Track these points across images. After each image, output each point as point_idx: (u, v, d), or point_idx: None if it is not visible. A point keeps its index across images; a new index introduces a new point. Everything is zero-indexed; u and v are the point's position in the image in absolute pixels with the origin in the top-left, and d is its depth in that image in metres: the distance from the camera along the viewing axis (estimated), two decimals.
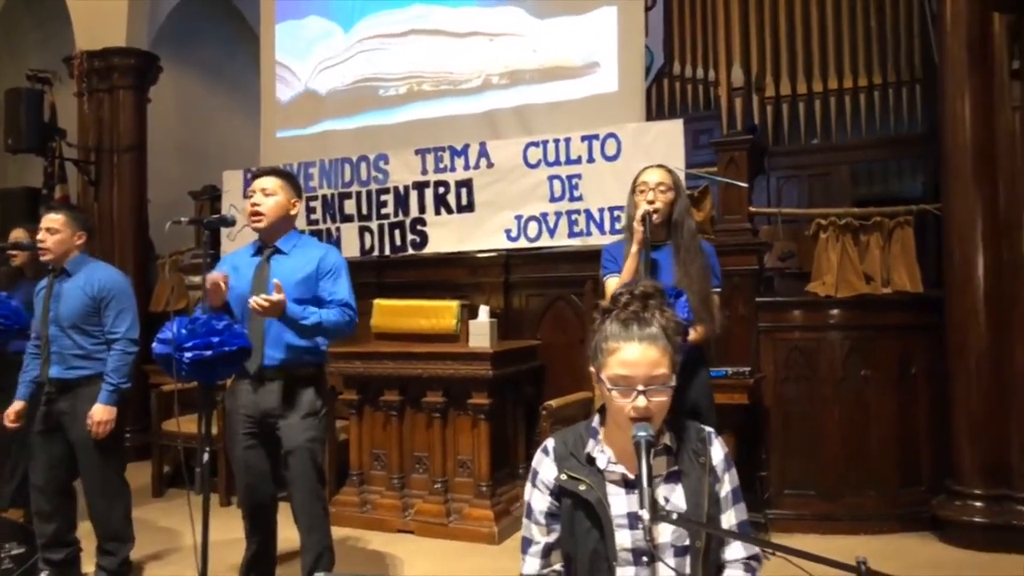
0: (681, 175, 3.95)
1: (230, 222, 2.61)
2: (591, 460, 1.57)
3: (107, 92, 5.89)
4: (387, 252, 4.63)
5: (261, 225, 2.65)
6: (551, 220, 4.20)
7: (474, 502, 3.75)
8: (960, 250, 3.48)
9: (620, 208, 4.02)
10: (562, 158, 4.17)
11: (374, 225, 4.67)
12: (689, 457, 1.57)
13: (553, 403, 3.65)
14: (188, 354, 2.28)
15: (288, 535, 2.85)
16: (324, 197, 4.81)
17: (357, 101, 5.03)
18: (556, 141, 4.17)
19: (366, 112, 5.00)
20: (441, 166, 4.47)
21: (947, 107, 3.55)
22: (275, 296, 2.41)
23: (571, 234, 4.16)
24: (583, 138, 4.11)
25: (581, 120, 4.28)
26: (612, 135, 4.05)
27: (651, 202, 2.63)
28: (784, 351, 3.78)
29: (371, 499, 3.95)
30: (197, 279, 5.40)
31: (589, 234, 4.12)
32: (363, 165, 4.69)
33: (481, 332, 3.83)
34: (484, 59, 4.66)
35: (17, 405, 3.06)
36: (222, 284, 2.44)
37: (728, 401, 3.38)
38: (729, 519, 1.57)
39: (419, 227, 4.55)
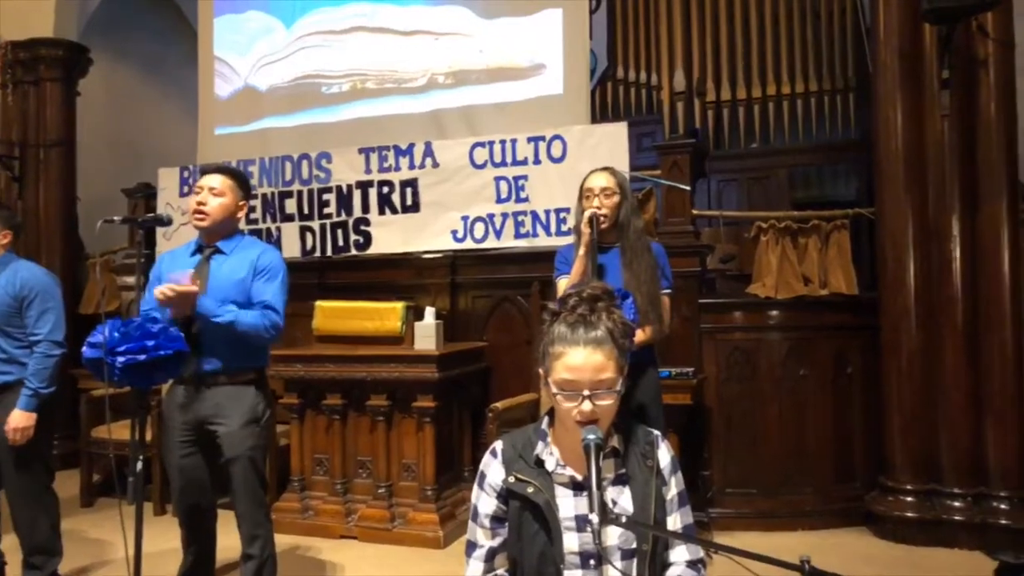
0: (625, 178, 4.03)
1: (166, 221, 2.51)
2: (540, 462, 1.56)
3: (33, 84, 5.63)
4: (329, 252, 4.55)
5: (204, 224, 2.56)
6: (497, 221, 4.19)
7: (419, 506, 3.70)
8: (892, 253, 3.59)
9: (566, 210, 4.05)
10: (508, 159, 4.15)
11: (316, 225, 4.58)
12: (637, 460, 1.58)
13: (499, 405, 3.63)
14: (121, 358, 2.18)
15: (227, 543, 2.77)
16: (264, 196, 4.69)
17: (299, 98, 4.93)
18: (503, 142, 4.16)
19: (308, 110, 4.90)
20: (385, 165, 4.41)
21: (880, 115, 3.66)
22: (184, 286, 2.33)
23: (517, 235, 4.15)
24: (529, 139, 4.10)
25: (527, 121, 4.28)
26: (558, 137, 4.06)
27: (598, 207, 2.64)
28: (725, 352, 3.84)
29: (313, 505, 3.86)
30: (130, 279, 5.22)
31: (535, 235, 4.11)
32: (304, 163, 4.59)
33: (427, 334, 3.79)
34: (429, 58, 4.62)
35: None
36: (194, 289, 2.35)
37: (672, 401, 3.42)
38: (675, 522, 1.58)
39: (363, 227, 4.47)
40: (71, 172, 5.75)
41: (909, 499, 3.52)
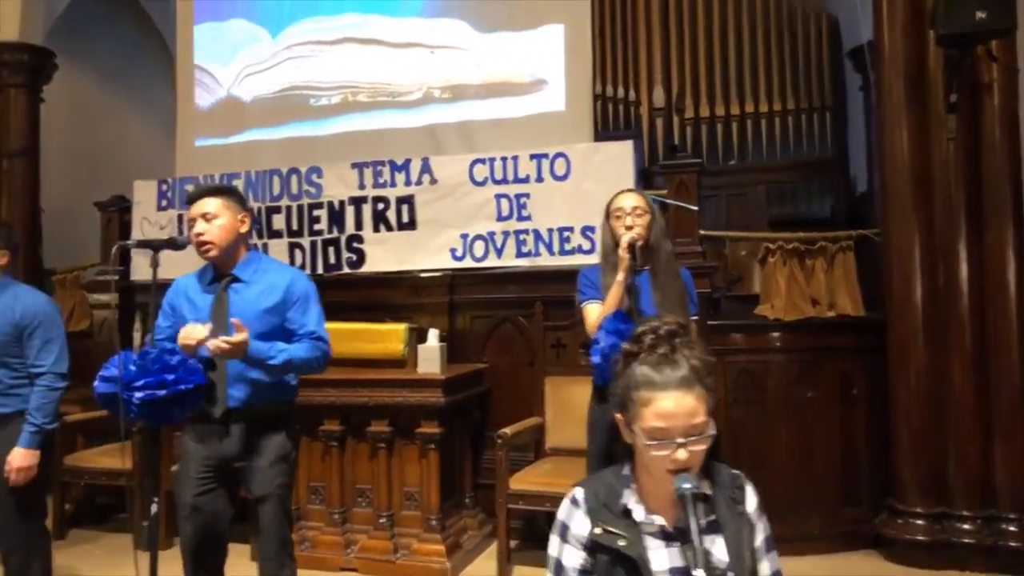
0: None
1: (181, 244, 2.35)
2: (627, 512, 1.47)
3: None
4: (320, 271, 4.37)
5: (213, 254, 2.40)
6: (498, 239, 4.08)
7: (423, 536, 3.56)
8: (899, 274, 3.60)
9: (569, 229, 3.98)
10: (510, 176, 4.06)
11: (306, 242, 4.41)
12: (726, 505, 1.50)
13: (508, 431, 3.52)
14: (138, 394, 2.02)
15: None
16: (249, 211, 4.48)
17: (285, 110, 4.75)
18: (504, 159, 4.06)
19: (295, 122, 4.73)
20: (380, 181, 4.27)
21: (886, 136, 3.67)
22: (236, 337, 2.17)
23: (519, 254, 4.05)
24: (532, 156, 4.01)
25: (527, 138, 4.20)
26: (561, 154, 3.98)
27: (629, 227, 2.56)
28: (733, 374, 3.80)
29: (310, 536, 3.68)
30: (104, 297, 4.96)
31: (538, 254, 4.02)
32: (294, 178, 4.42)
33: (431, 357, 3.66)
34: (425, 72, 4.50)
35: None
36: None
37: None
38: (765, 569, 1.51)
39: (356, 244, 4.32)
40: (35, 183, 5.47)
41: (919, 522, 3.51)
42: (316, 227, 4.38)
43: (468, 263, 4.14)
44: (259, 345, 2.25)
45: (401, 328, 3.73)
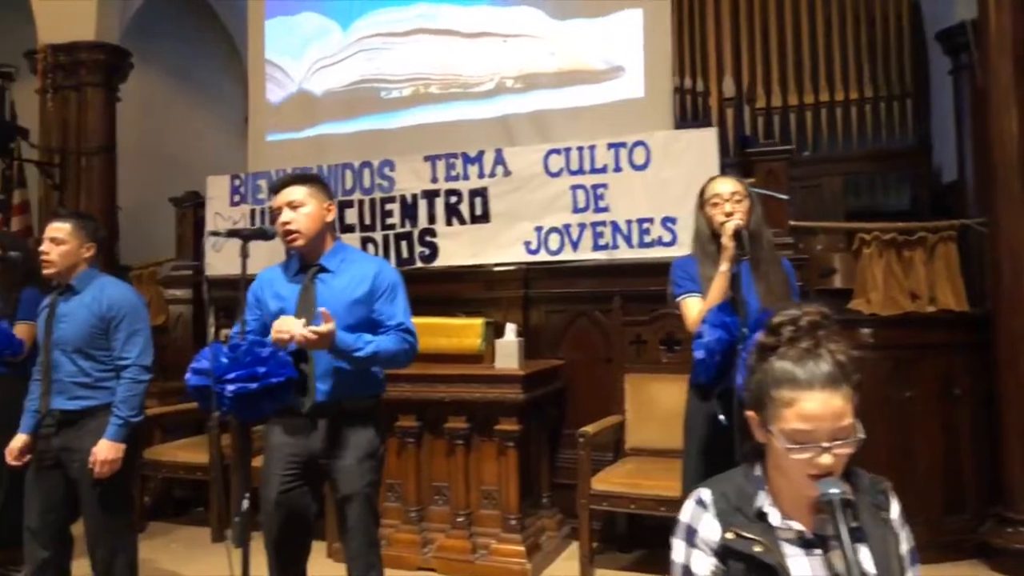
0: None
1: (271, 235, 2.30)
2: (761, 516, 1.34)
3: (74, 89, 5.43)
4: (392, 265, 4.30)
5: (300, 244, 2.33)
6: (574, 232, 3.96)
7: (502, 536, 3.47)
8: (1010, 267, 3.36)
9: (649, 220, 3.84)
10: (586, 166, 3.93)
11: (378, 236, 4.36)
12: (869, 512, 1.37)
13: (590, 429, 3.40)
14: (231, 387, 1.97)
15: None
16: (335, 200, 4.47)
17: (356, 103, 4.71)
18: (580, 149, 3.94)
19: (366, 115, 4.69)
20: (453, 174, 4.19)
21: (993, 122, 3.44)
22: (323, 327, 2.10)
23: (596, 247, 3.93)
24: (609, 146, 3.88)
25: (603, 127, 4.06)
26: (641, 143, 3.84)
27: (728, 214, 2.41)
28: None
29: (386, 534, 3.61)
30: (179, 293, 5.01)
31: (616, 247, 3.89)
32: (366, 172, 4.38)
33: (509, 352, 3.56)
34: (497, 61, 4.40)
35: (20, 439, 2.67)
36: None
37: None
38: None
39: (428, 238, 4.25)
40: (112, 180, 5.55)
41: None
42: (388, 221, 4.33)
43: (543, 256, 4.03)
44: (346, 336, 2.18)
45: (478, 323, 3.64)
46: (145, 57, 6.42)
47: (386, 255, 4.32)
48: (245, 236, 2.23)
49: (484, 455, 3.56)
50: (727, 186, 2.50)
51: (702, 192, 2.58)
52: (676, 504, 3.14)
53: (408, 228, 4.29)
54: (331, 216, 2.43)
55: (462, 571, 3.43)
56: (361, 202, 4.38)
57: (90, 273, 2.73)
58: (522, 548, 3.41)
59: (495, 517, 3.52)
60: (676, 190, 3.75)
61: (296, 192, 2.35)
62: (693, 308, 2.39)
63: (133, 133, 6.33)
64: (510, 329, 3.65)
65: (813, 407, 1.25)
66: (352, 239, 4.40)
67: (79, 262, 2.70)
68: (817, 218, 5.74)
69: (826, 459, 1.25)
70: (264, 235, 2.28)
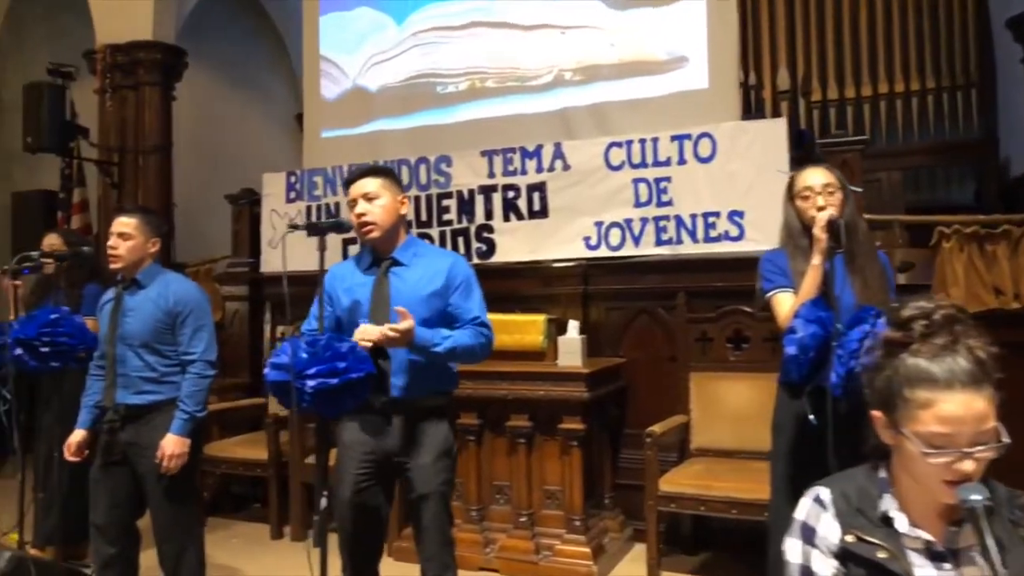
0: (784, 178, 3.68)
1: (347, 227, 2.26)
2: (886, 520, 1.26)
3: (132, 89, 5.51)
4: None
5: (375, 235, 2.29)
6: (636, 227, 3.87)
7: (566, 537, 3.40)
8: None
9: (714, 214, 3.73)
10: (649, 159, 3.84)
11: (435, 232, 4.31)
12: (1005, 525, 1.26)
13: (657, 429, 3.32)
14: (311, 382, 1.93)
15: None
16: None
17: (412, 98, 4.68)
18: (642, 141, 3.84)
19: (422, 110, 4.64)
20: (511, 168, 4.13)
21: None
22: (403, 324, 2.06)
23: (659, 242, 3.83)
24: (673, 138, 3.78)
25: (665, 119, 3.96)
26: (706, 135, 3.73)
27: (821, 208, 2.31)
28: None
29: None
30: (234, 290, 5.03)
31: (680, 242, 3.78)
32: (422, 167, 4.34)
33: (572, 350, 3.49)
34: (555, 53, 4.32)
35: (78, 435, 2.68)
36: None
37: None
38: None
39: (486, 234, 4.19)
40: (168, 178, 5.61)
41: None
42: (445, 217, 4.28)
43: (603, 252, 3.94)
44: (424, 332, 2.14)
45: (540, 319, 3.57)
46: (197, 56, 6.48)
47: None
48: (322, 229, 2.20)
49: (547, 454, 3.50)
50: (818, 177, 2.38)
51: (791, 184, 2.47)
52: (750, 506, 3.06)
53: (465, 224, 4.24)
54: (404, 209, 2.39)
55: (525, 572, 3.37)
56: (417, 198, 4.34)
57: (155, 268, 2.74)
58: (587, 550, 3.33)
59: (558, 517, 3.45)
60: (743, 183, 3.64)
61: (370, 184, 2.31)
62: (784, 304, 2.29)
63: (185, 131, 6.40)
64: (572, 326, 3.58)
65: (953, 409, 1.16)
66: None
67: (145, 257, 2.70)
68: (876, 213, 5.57)
69: (967, 465, 1.16)
70: (340, 227, 2.24)
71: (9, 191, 6.46)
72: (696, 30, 3.97)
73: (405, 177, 4.39)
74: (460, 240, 4.25)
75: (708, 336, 3.71)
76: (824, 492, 1.33)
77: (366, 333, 2.10)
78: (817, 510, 1.31)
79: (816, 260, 2.20)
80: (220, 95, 7.16)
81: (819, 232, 2.20)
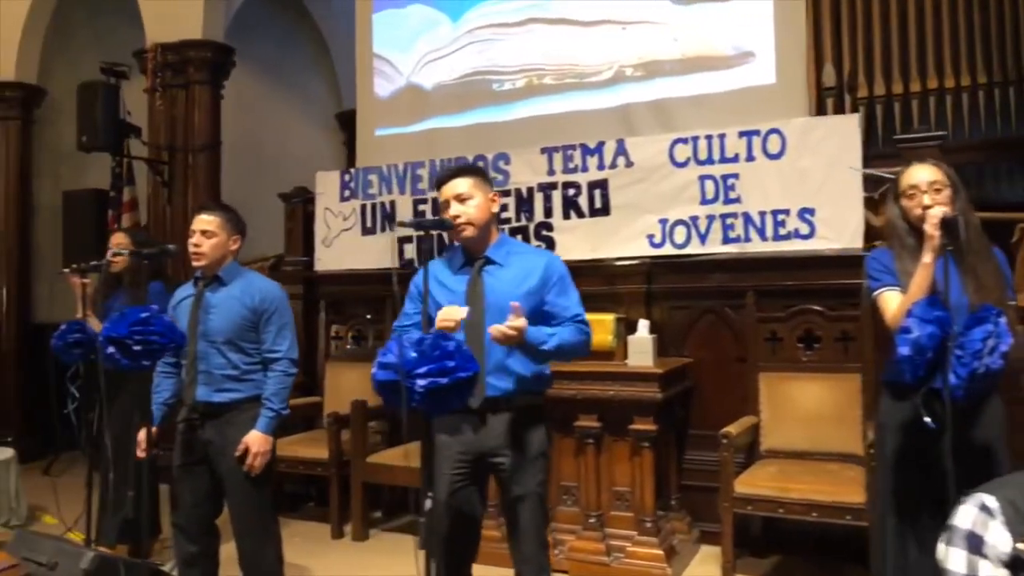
0: (857, 175, 3.62)
1: (449, 225, 2.23)
2: None
3: (182, 87, 5.52)
4: None
5: (469, 234, 2.26)
6: (702, 224, 3.81)
7: (638, 539, 3.35)
8: None
9: (784, 211, 3.67)
10: (715, 156, 3.78)
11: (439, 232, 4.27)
12: None
13: (732, 430, 3.26)
14: (422, 381, 1.89)
15: None
16: (435, 200, 4.39)
17: (468, 96, 4.65)
18: (708, 137, 3.78)
19: (478, 108, 4.62)
20: (571, 166, 4.08)
21: None
22: (519, 321, 2.04)
23: (726, 240, 3.77)
24: (741, 134, 3.72)
25: (731, 115, 3.91)
26: (775, 131, 3.67)
27: (927, 207, 2.23)
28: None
29: None
30: (288, 288, 4.99)
31: (748, 240, 3.73)
32: (480, 165, 4.30)
33: (642, 349, 3.44)
34: (616, 49, 4.28)
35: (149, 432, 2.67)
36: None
37: None
38: None
39: (545, 232, 4.15)
40: (216, 176, 5.62)
41: None
42: (503, 215, 4.24)
43: (668, 250, 3.89)
44: (534, 331, 2.11)
45: (609, 318, 3.53)
46: (239, 55, 6.50)
47: None
48: (426, 227, 2.18)
49: (616, 455, 3.46)
50: (925, 174, 2.31)
51: (897, 182, 2.40)
52: (831, 509, 3.01)
53: (524, 222, 4.20)
54: (496, 207, 2.36)
55: (596, 574, 3.33)
56: None
57: (236, 266, 2.73)
58: (660, 552, 3.29)
59: (629, 519, 3.41)
60: (815, 180, 3.58)
61: (462, 184, 2.28)
62: (893, 302, 2.22)
63: (230, 130, 6.42)
64: (643, 325, 3.53)
65: None
66: None
67: (227, 254, 2.70)
68: None
69: None
70: (443, 226, 2.21)
71: (57, 190, 6.51)
72: (763, 24, 3.92)
73: None
74: (519, 239, 4.21)
75: (778, 336, 3.65)
76: (989, 499, 1.28)
77: (450, 312, 2.07)
78: (984, 518, 1.27)
79: (927, 258, 2.13)
80: (261, 94, 7.17)
81: (931, 229, 2.13)
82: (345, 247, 4.68)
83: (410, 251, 4.47)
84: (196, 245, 2.62)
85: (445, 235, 4.37)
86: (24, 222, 6.39)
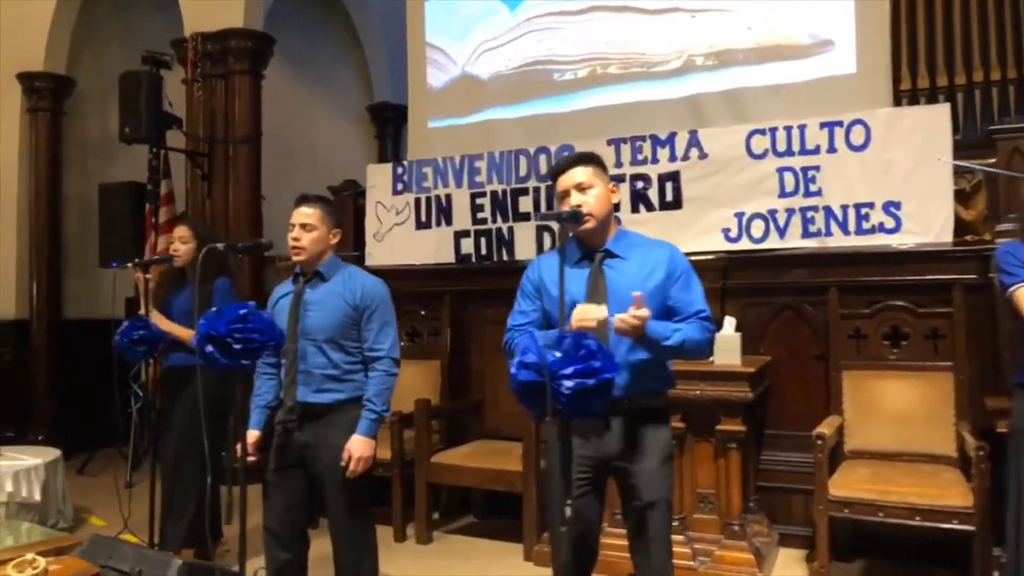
0: (947, 167, 3.50)
1: (580, 218, 2.11)
2: None
3: (221, 78, 5.39)
4: None
5: (590, 226, 2.14)
6: (781, 218, 3.69)
7: (724, 543, 3.24)
8: None
9: (868, 205, 3.56)
10: (795, 147, 3.66)
11: (555, 225, 4.14)
12: None
13: (826, 431, 3.15)
14: (568, 383, 1.78)
15: None
16: (494, 193, 4.29)
17: (526, 87, 4.52)
18: (788, 128, 3.66)
19: (537, 99, 4.49)
20: (640, 158, 3.96)
21: None
22: (643, 311, 1.91)
23: (806, 234, 3.65)
24: (822, 125, 3.60)
25: (807, 105, 3.79)
26: (859, 121, 3.55)
27: None
28: None
29: None
30: None
31: (829, 234, 3.61)
32: (542, 157, 4.17)
33: (730, 347, 3.32)
34: (684, 38, 4.15)
35: (253, 435, 2.55)
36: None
37: None
38: None
39: None
40: (257, 169, 5.49)
41: None
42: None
43: (744, 244, 3.77)
44: (655, 325, 1.98)
45: None
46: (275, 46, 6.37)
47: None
48: (562, 219, 2.05)
49: (699, 456, 3.35)
50: None
51: None
52: (936, 513, 2.89)
53: None
54: (617, 198, 2.24)
55: None
56: (536, 189, 4.19)
57: (336, 260, 2.62)
58: (750, 556, 3.18)
59: (713, 522, 3.30)
60: (901, 172, 3.47)
61: (582, 174, 2.16)
62: None
63: (266, 122, 6.29)
64: (729, 323, 3.42)
65: None
66: (527, 228, 4.22)
67: (327, 248, 2.59)
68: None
69: None
70: (576, 219, 2.09)
71: (85, 183, 6.38)
72: (843, 12, 3.79)
73: (523, 168, 4.25)
74: None
75: (862, 333, 3.54)
76: None
77: (586, 311, 1.95)
78: None
79: None
80: (292, 86, 7.04)
81: None
82: (397, 242, 4.55)
83: (467, 246, 4.34)
84: (296, 239, 2.51)
85: (505, 230, 4.30)
86: (54, 216, 6.26)
